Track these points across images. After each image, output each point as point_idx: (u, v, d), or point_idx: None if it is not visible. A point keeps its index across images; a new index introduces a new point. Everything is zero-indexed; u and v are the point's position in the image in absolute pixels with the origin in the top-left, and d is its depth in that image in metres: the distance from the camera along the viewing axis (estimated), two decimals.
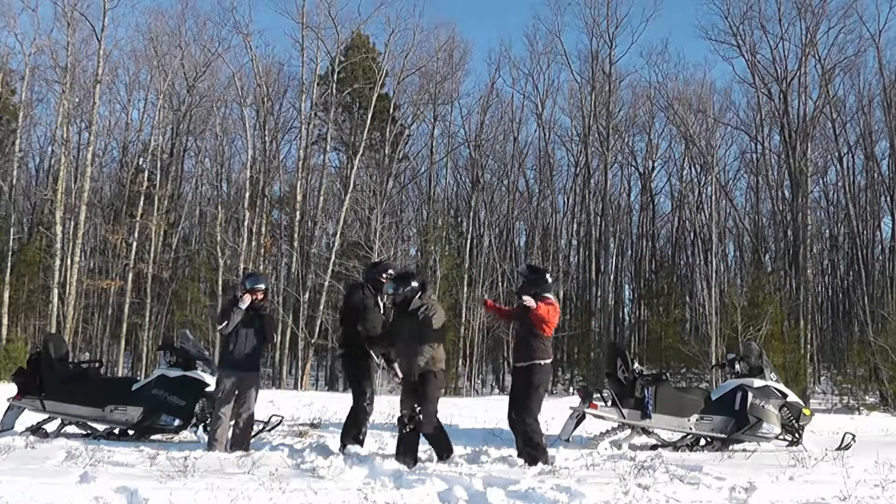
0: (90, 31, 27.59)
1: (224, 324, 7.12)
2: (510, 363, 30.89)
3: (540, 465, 6.26)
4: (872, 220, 34.48)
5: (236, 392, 7.09)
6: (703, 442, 8.28)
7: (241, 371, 7.14)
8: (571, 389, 27.11)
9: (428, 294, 6.65)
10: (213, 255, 28.83)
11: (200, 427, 7.95)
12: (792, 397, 8.46)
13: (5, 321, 25.14)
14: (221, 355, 7.47)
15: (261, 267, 28.83)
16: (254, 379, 7.29)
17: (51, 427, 8.19)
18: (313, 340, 27.01)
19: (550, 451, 7.02)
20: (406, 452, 6.22)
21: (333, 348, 29.76)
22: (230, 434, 7.06)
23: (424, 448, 6.87)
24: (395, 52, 31.64)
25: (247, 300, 7.15)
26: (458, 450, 6.91)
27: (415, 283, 6.54)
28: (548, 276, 7.14)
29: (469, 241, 33.49)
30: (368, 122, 29.58)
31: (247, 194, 29.16)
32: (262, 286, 7.32)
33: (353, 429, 6.85)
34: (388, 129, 31.21)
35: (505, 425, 9.44)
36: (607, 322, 32.70)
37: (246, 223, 28.70)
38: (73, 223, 25.62)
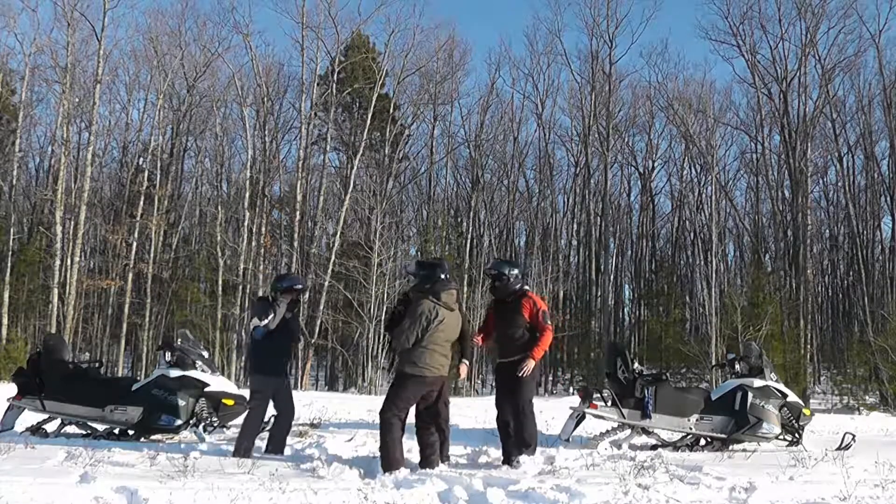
0: (90, 31, 27.63)
1: (270, 317, 6.68)
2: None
3: (527, 456, 6.11)
4: (872, 220, 34.51)
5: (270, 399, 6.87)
6: (703, 442, 8.27)
7: (278, 377, 6.95)
8: (571, 389, 27.13)
9: (429, 286, 5.97)
10: (213, 255, 28.82)
11: (200, 427, 7.95)
12: (792, 397, 8.46)
13: (5, 321, 25.14)
14: (258, 360, 6.99)
15: (261, 267, 28.82)
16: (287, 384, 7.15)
17: (51, 427, 8.19)
18: (313, 340, 27.00)
19: (550, 451, 7.01)
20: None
21: (333, 348, 29.79)
22: (250, 440, 6.80)
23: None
24: (395, 52, 31.71)
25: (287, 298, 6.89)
26: (458, 450, 6.89)
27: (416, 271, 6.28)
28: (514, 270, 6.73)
29: (469, 241, 33.50)
30: (368, 122, 29.57)
31: (247, 194, 29.16)
32: (300, 286, 7.14)
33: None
34: (388, 129, 31.21)
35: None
36: (607, 322, 32.71)
37: (246, 223, 28.71)
38: (73, 223, 25.61)
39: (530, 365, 6.23)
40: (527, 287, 6.71)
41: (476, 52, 69.65)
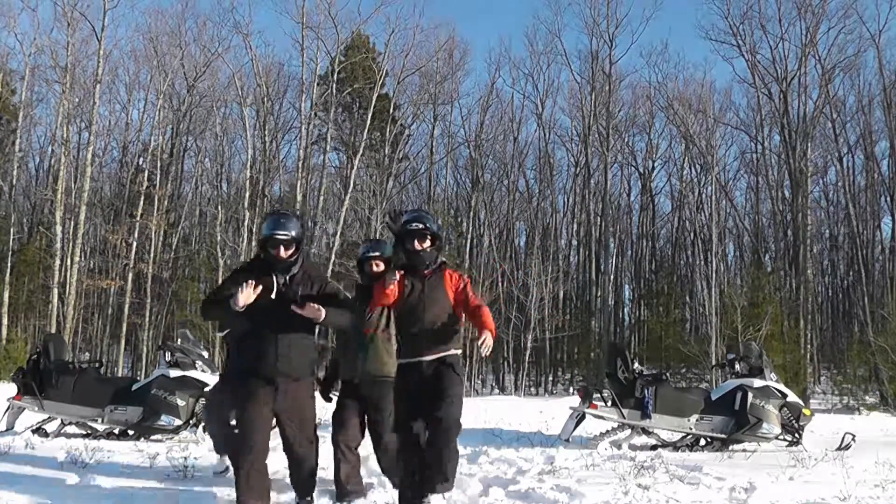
0: (90, 31, 27.56)
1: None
2: (510, 363, 30.88)
3: (440, 496, 4.25)
4: (872, 220, 34.47)
5: None
6: (703, 442, 8.28)
7: None
8: (571, 389, 27.12)
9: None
10: (213, 255, 28.82)
11: (200, 427, 7.95)
12: (792, 397, 8.47)
13: (5, 321, 25.13)
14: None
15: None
16: None
17: (51, 427, 8.19)
18: None
19: (550, 451, 7.01)
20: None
21: (334, 348, 29.68)
22: None
23: None
24: (395, 52, 31.63)
25: None
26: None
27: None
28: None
29: (469, 241, 33.48)
30: (368, 122, 29.55)
31: (247, 194, 29.14)
32: None
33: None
34: (388, 129, 31.20)
35: (505, 425, 9.47)
36: (607, 322, 32.68)
37: (246, 223, 28.69)
38: (73, 223, 25.60)
39: (490, 341, 4.29)
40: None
41: (476, 52, 69.35)
